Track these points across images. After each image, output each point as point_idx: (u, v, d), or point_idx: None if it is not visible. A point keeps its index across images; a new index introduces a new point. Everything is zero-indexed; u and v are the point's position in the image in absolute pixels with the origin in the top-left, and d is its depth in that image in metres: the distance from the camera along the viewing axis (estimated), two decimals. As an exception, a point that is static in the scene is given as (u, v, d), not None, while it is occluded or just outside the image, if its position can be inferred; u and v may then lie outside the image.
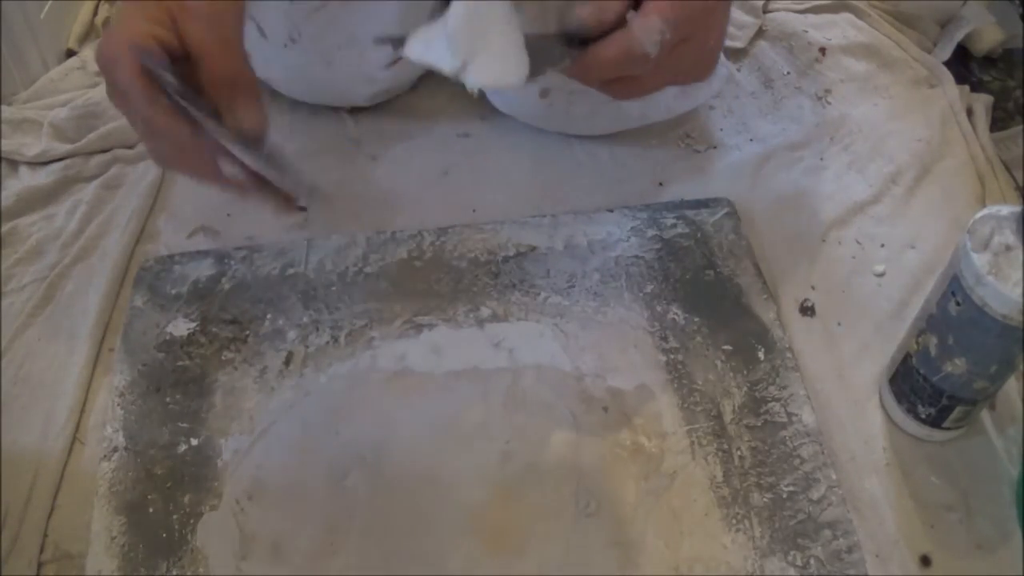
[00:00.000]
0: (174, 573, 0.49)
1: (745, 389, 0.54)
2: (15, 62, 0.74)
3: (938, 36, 0.79)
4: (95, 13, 0.83)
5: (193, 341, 0.58)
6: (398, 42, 0.44)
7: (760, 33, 0.79)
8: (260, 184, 0.45)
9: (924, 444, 0.54)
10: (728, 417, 0.54)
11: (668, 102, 0.70)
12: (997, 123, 0.73)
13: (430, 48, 0.43)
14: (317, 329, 0.59)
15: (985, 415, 0.55)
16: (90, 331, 0.60)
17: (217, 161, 0.44)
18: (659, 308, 0.59)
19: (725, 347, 0.57)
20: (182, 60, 0.43)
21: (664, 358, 0.57)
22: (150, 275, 0.61)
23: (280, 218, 0.47)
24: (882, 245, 0.64)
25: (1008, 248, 0.44)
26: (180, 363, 0.57)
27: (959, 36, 0.77)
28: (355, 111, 0.73)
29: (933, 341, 0.49)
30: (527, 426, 0.54)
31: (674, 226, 0.62)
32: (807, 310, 0.60)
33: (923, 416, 0.52)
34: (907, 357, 0.52)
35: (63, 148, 0.70)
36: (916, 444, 0.54)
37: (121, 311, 0.61)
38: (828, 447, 0.52)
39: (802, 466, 0.51)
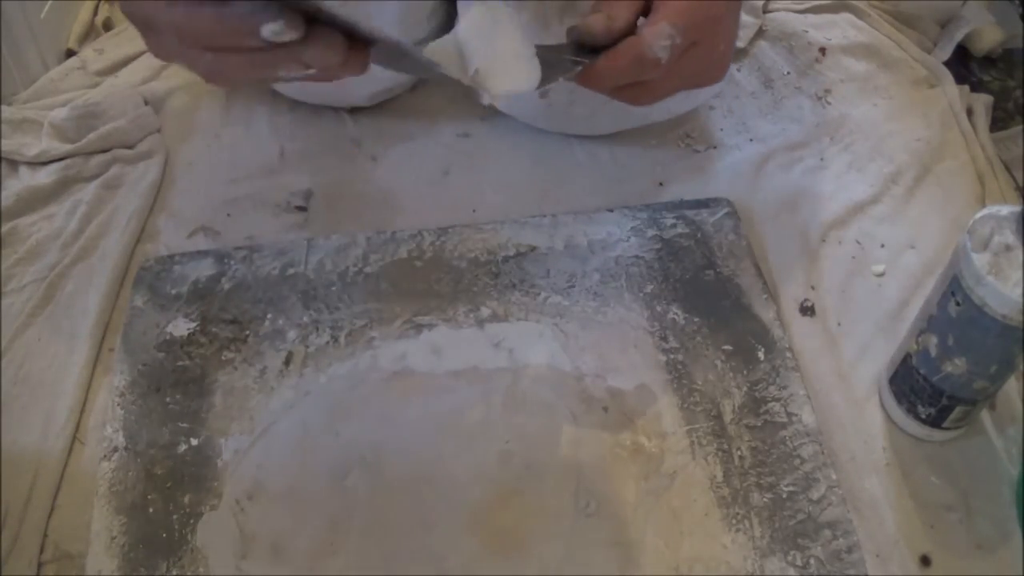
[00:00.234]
0: (174, 573, 0.49)
1: (745, 389, 0.54)
2: (15, 62, 0.74)
3: (938, 36, 0.79)
4: (95, 13, 0.83)
5: (193, 341, 0.58)
6: (394, 58, 0.43)
7: (760, 33, 0.79)
8: (315, 33, 0.37)
9: (924, 444, 0.54)
10: (728, 417, 0.54)
11: (668, 102, 0.69)
12: (997, 123, 0.73)
13: (443, 57, 0.43)
14: (317, 329, 0.59)
15: (985, 415, 0.55)
16: (90, 331, 0.60)
17: (258, 25, 0.36)
18: (659, 308, 0.59)
19: (725, 347, 0.57)
20: None
21: (664, 358, 0.57)
22: (150, 275, 0.61)
23: (341, 70, 0.39)
24: (882, 245, 0.64)
25: (1008, 248, 0.44)
26: (180, 363, 0.57)
27: (959, 36, 0.77)
28: (355, 111, 0.73)
29: (933, 341, 0.49)
30: (527, 426, 0.54)
31: (674, 226, 0.62)
32: (807, 310, 0.60)
33: (923, 416, 0.52)
34: (907, 357, 0.52)
35: (63, 148, 0.70)
36: (916, 444, 0.54)
37: (121, 311, 0.61)
38: (828, 447, 0.52)
39: (802, 466, 0.51)
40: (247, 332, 0.58)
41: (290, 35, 0.37)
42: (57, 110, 0.72)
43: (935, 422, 0.52)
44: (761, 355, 0.56)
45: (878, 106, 0.73)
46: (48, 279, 0.63)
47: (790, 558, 0.48)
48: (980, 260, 0.45)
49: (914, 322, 0.52)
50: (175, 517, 0.51)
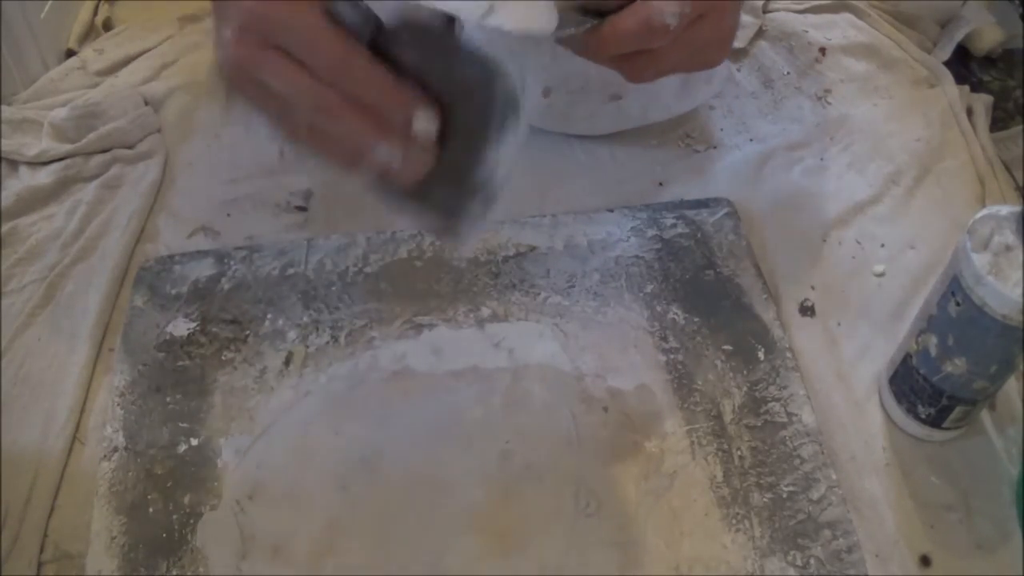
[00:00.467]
0: (174, 573, 0.49)
1: (745, 389, 0.55)
2: (15, 62, 0.74)
3: (938, 36, 0.79)
4: (95, 13, 0.83)
5: (193, 341, 0.58)
6: None
7: (760, 33, 0.79)
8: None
9: (924, 444, 0.54)
10: (728, 417, 0.54)
11: (668, 102, 0.70)
12: (997, 123, 0.73)
13: None
14: (317, 329, 0.59)
15: (985, 415, 0.55)
16: (90, 331, 0.60)
17: (412, 116, 0.34)
18: (659, 308, 0.59)
19: (725, 347, 0.57)
20: None
21: (664, 358, 0.57)
22: (150, 275, 0.61)
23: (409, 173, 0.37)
24: (882, 245, 0.64)
25: (1008, 248, 0.44)
26: (180, 363, 0.57)
27: (959, 36, 0.77)
28: (355, 111, 0.73)
29: (933, 341, 0.49)
30: (527, 426, 0.54)
31: (674, 226, 0.62)
32: (807, 310, 0.60)
33: (923, 416, 0.52)
34: (907, 357, 0.52)
35: (63, 148, 0.69)
36: (916, 444, 0.54)
37: (121, 311, 0.61)
38: (828, 447, 0.52)
39: (802, 466, 0.51)
40: (247, 332, 0.58)
41: (433, 126, 0.33)
42: (57, 110, 0.72)
43: (935, 422, 0.52)
44: (761, 355, 0.56)
45: (878, 106, 0.73)
46: (48, 279, 0.63)
47: (790, 558, 0.48)
48: (980, 260, 0.45)
49: (914, 322, 0.52)
50: (175, 517, 0.51)
